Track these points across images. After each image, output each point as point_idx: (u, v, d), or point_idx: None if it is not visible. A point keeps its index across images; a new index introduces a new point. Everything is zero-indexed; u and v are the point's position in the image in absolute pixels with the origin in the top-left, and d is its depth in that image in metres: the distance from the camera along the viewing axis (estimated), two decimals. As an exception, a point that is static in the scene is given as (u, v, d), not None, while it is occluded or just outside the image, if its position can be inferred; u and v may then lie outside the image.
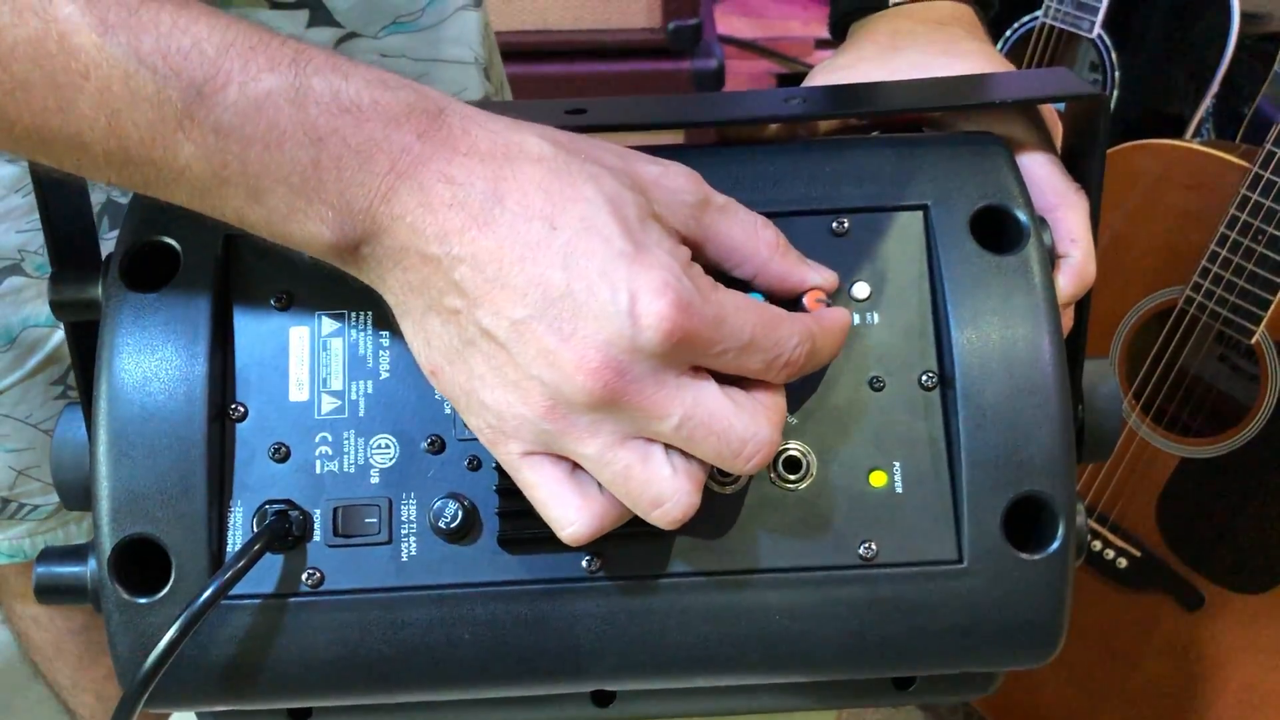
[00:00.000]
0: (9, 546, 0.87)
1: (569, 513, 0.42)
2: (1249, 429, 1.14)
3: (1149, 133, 1.24)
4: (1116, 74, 1.45)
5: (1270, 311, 1.10)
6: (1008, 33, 1.53)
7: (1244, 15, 1.36)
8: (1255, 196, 1.10)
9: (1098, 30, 1.44)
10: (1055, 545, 0.46)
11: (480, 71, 0.89)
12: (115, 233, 0.77)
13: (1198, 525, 1.19)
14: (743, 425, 0.41)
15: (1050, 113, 0.57)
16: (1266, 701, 1.16)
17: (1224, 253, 1.13)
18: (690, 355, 0.40)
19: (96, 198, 0.75)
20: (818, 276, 0.46)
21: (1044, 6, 1.47)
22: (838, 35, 0.65)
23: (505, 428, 0.41)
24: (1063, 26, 1.46)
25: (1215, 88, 1.38)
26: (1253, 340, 1.12)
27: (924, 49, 0.57)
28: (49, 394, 0.79)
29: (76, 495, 0.49)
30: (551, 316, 0.39)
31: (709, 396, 0.40)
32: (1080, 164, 0.52)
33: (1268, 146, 1.09)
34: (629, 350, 0.38)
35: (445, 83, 0.86)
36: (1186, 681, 1.21)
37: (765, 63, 1.99)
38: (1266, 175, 1.09)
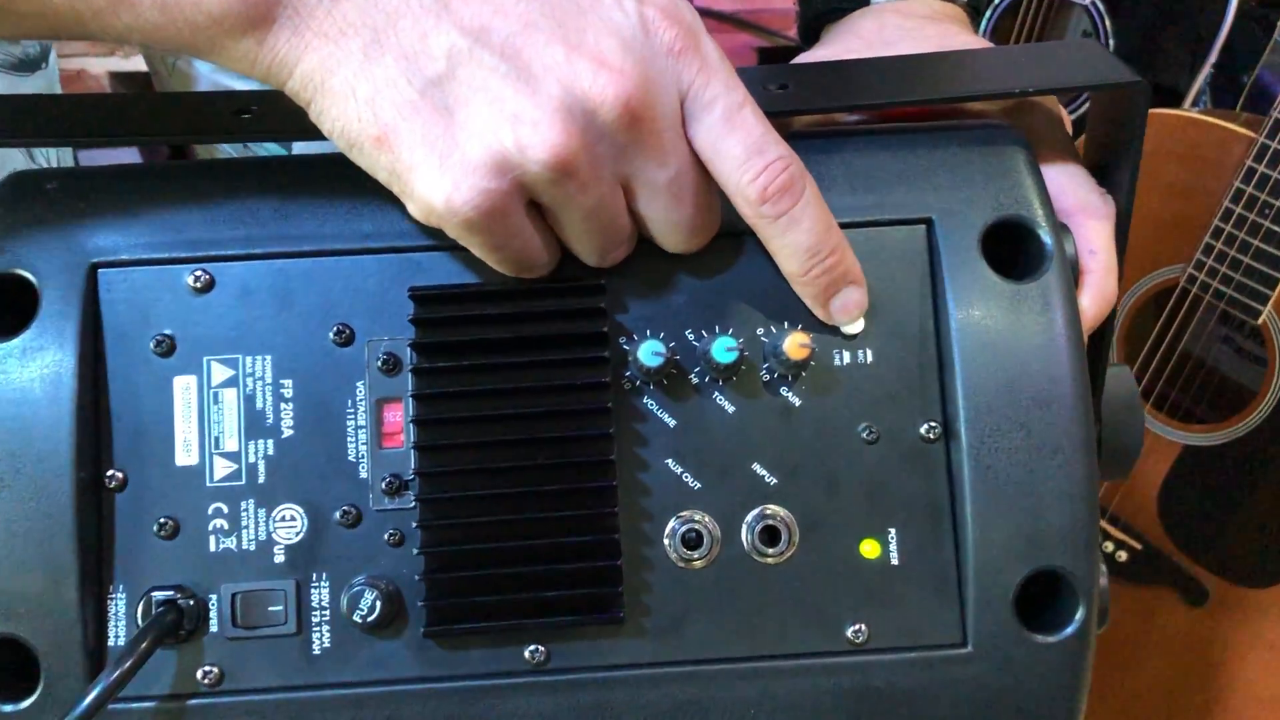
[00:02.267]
0: None
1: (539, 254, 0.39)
2: (1255, 415, 1.10)
3: (1145, 102, 1.18)
4: (1111, 42, 1.38)
5: (1278, 290, 1.05)
6: (996, 0, 1.46)
7: (1243, -21, 1.30)
8: (1262, 168, 1.04)
9: (1091, -7, 1.37)
10: (1074, 627, 0.40)
11: None
12: None
13: (1201, 517, 1.15)
14: (715, 207, 0.39)
15: (1054, 99, 0.50)
16: (1272, 700, 1.13)
17: (1228, 228, 1.07)
18: (684, 81, 0.37)
19: None
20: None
21: (1035, -31, 1.40)
22: (809, 39, 0.58)
23: (487, 171, 0.35)
24: (1054, -11, 1.39)
25: (1214, 56, 1.31)
26: (1259, 320, 1.07)
27: (918, 45, 0.50)
28: None
29: None
30: (553, 25, 0.35)
31: (695, 163, 0.38)
32: (1110, 164, 0.45)
33: (1275, 115, 1.03)
34: (643, 59, 0.35)
35: None
36: (1189, 679, 1.18)
37: (745, 36, 1.90)
38: (1274, 145, 1.03)
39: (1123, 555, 1.20)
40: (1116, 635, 1.22)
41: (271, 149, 0.78)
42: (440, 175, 0.35)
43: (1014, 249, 0.42)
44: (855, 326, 0.41)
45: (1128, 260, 0.46)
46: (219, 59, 0.37)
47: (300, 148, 0.73)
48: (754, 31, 1.91)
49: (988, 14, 1.46)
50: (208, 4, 0.35)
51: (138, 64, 1.78)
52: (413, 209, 0.37)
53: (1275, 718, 1.13)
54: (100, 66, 1.79)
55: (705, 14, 1.84)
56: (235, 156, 0.76)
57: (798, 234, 0.39)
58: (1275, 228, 1.04)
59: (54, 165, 0.72)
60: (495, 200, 0.35)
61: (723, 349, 0.39)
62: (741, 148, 0.37)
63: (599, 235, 0.38)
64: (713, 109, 0.37)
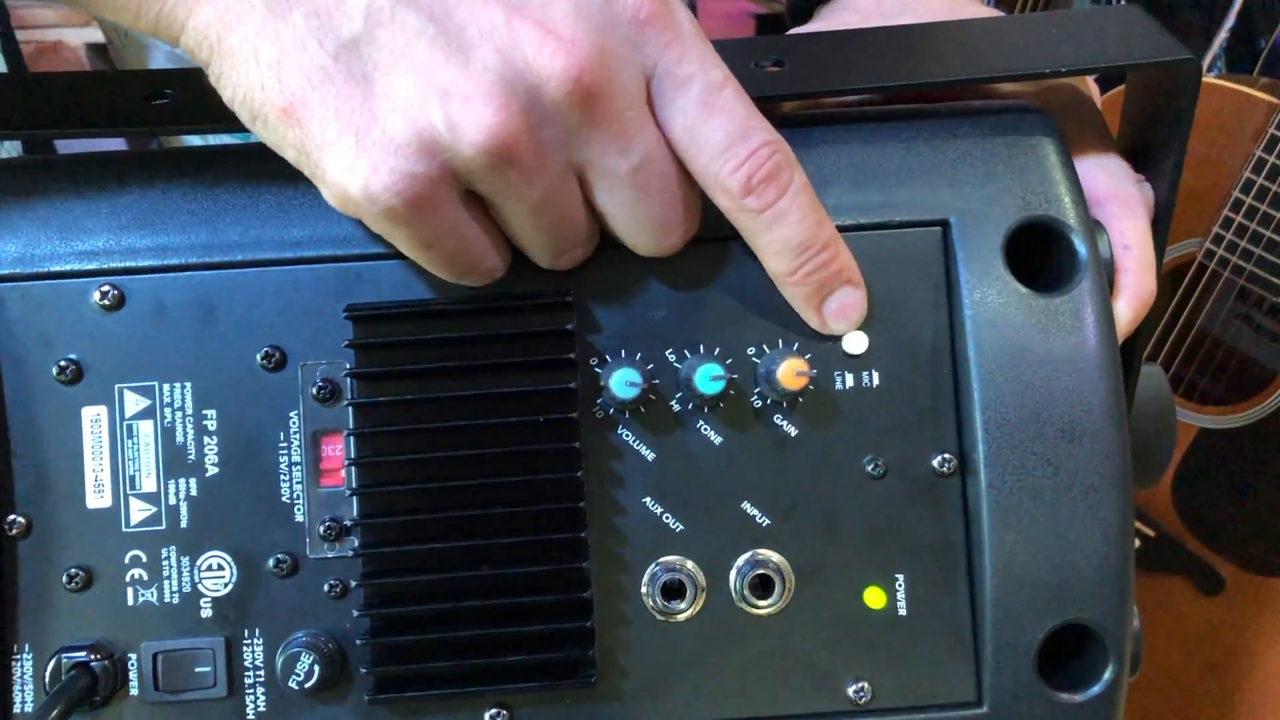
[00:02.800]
0: None
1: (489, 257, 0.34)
2: (1275, 396, 1.06)
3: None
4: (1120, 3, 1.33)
5: (1300, 266, 1.01)
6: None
7: (1263, -65, 1.25)
8: (1285, 136, 0.99)
9: (1103, -49, 1.32)
10: (1102, 686, 0.36)
11: None
12: None
13: (1217, 503, 1.12)
14: (690, 202, 0.34)
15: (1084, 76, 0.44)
16: (1289, 692, 1.10)
17: (1249, 200, 1.03)
18: (651, 55, 0.32)
19: None
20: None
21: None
22: (798, 19, 0.52)
23: (411, 153, 0.30)
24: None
25: (1231, 20, 1.26)
26: None
27: (921, 20, 0.44)
28: None
29: None
30: None
31: (666, 149, 0.33)
32: (1150, 149, 0.40)
33: (1299, 79, 0.98)
34: (604, 26, 0.31)
35: None
36: (1204, 671, 1.15)
37: (743, 2, 1.83)
38: (1298, 112, 0.98)
39: (1136, 543, 1.17)
40: (1127, 624, 1.19)
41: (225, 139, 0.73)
42: (356, 156, 0.30)
43: (1042, 255, 0.37)
44: (859, 344, 0.36)
45: None
46: (99, 7, 0.32)
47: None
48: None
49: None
50: None
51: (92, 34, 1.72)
52: (326, 194, 0.32)
53: (1291, 710, 1.11)
54: (77, 38, 1.73)
55: (699, -25, 1.79)
56: (187, 147, 0.71)
57: (785, 229, 0.34)
58: (1298, 199, 1.00)
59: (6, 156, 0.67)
60: (421, 187, 0.30)
61: (707, 378, 0.35)
62: (722, 133, 0.32)
63: (549, 233, 0.33)
64: (688, 89, 0.32)
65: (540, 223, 0.33)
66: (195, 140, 0.77)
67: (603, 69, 0.30)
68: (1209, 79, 1.11)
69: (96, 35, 1.75)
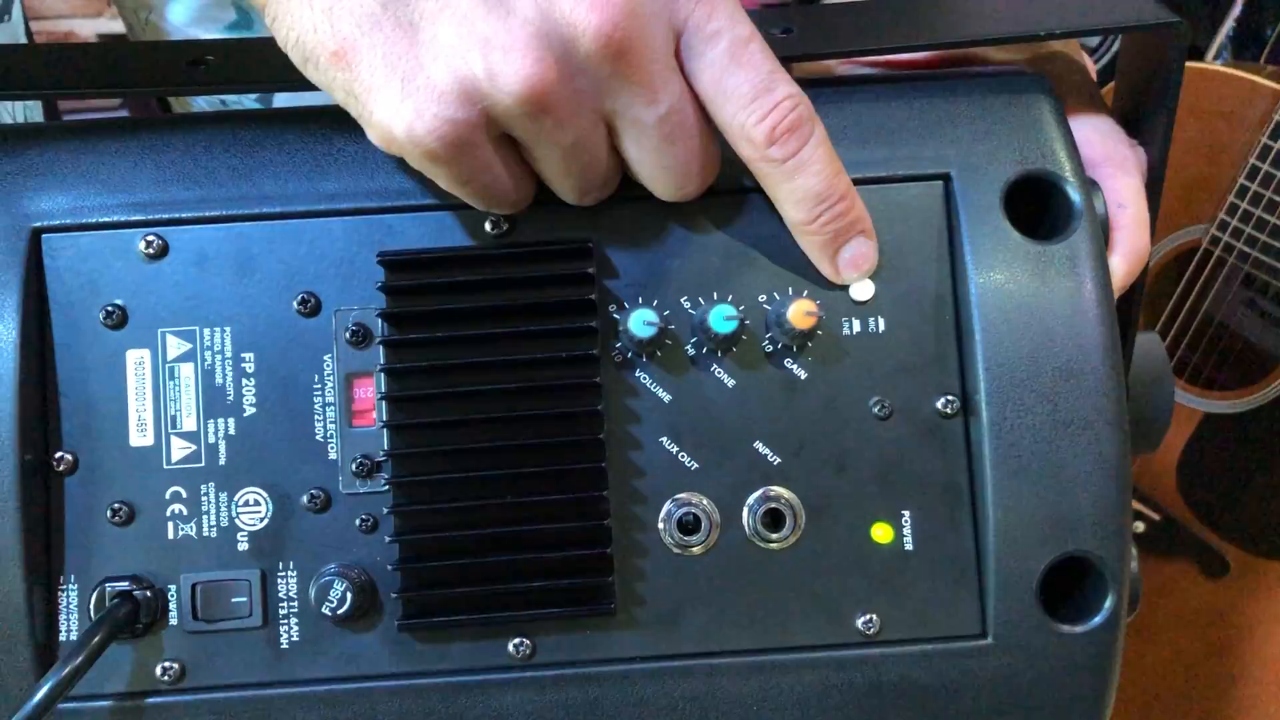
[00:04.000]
0: None
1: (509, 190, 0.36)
2: (1279, 381, 1.05)
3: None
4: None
5: (1304, 252, 1.01)
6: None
7: (1270, -75, 1.26)
8: (1289, 123, 1.00)
9: (1110, -61, 1.33)
10: (1103, 616, 0.37)
11: None
12: None
13: (1222, 486, 1.12)
14: (711, 151, 0.36)
15: (1075, 45, 0.46)
16: (1294, 673, 1.11)
17: (1254, 187, 1.04)
18: (681, 15, 0.34)
19: None
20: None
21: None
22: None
23: (453, 100, 0.32)
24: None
25: (1238, 9, 1.27)
26: (1285, 282, 1.04)
27: None
28: None
29: None
30: None
31: (691, 101, 0.35)
32: (1143, 112, 0.41)
33: (1305, 66, 0.99)
34: None
35: None
36: (1210, 653, 1.15)
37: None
38: (1302, 99, 0.99)
39: (1141, 526, 1.17)
40: (1134, 607, 1.20)
41: (249, 103, 0.75)
42: (401, 100, 0.32)
43: (1039, 206, 0.39)
44: (865, 291, 0.38)
45: None
46: None
47: (282, 100, 0.70)
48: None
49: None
50: None
51: (116, 26, 1.74)
52: (371, 135, 0.34)
53: (1296, 691, 1.11)
54: (89, 28, 1.76)
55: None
56: (223, 109, 0.73)
57: (805, 178, 0.36)
58: (1303, 186, 1.01)
59: (19, 121, 0.69)
60: (461, 131, 0.32)
61: (721, 318, 0.36)
62: (748, 86, 0.34)
63: (577, 175, 0.35)
64: (716, 43, 0.34)
65: (570, 166, 0.34)
66: (202, 104, 0.79)
67: (634, 25, 0.32)
68: (1215, 66, 1.11)
69: (108, 26, 1.77)
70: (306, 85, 0.37)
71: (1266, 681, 1.13)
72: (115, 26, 1.71)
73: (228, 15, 0.74)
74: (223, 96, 0.73)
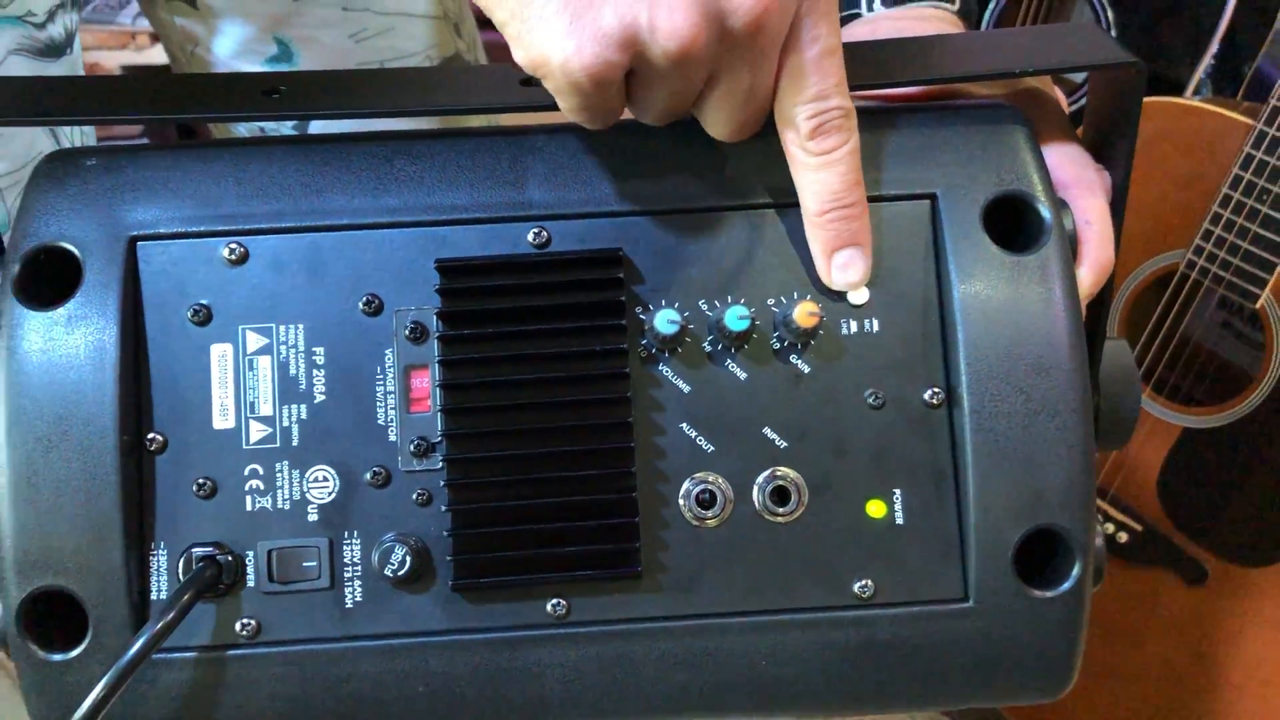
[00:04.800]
0: None
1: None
2: (1253, 397, 1.10)
3: (1146, 93, 1.19)
4: (1113, 32, 1.39)
5: (1275, 275, 1.06)
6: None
7: (1245, -31, 1.31)
8: (1260, 155, 1.05)
9: (1094, -18, 1.38)
10: (1071, 582, 0.42)
11: (450, 27, 0.84)
12: None
13: (1200, 498, 1.16)
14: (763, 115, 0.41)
15: (1049, 83, 0.51)
16: (1272, 677, 1.14)
17: (1227, 214, 1.08)
18: (803, 12, 0.38)
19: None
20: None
21: (1038, -41, 1.41)
22: None
23: (614, 43, 0.36)
24: (1058, -21, 1.40)
25: (1215, 47, 1.32)
26: (1257, 305, 1.08)
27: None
28: None
29: None
30: None
31: (774, 74, 0.40)
32: (1108, 141, 0.47)
33: (1273, 102, 1.04)
34: None
35: (413, 38, 0.82)
36: (1190, 658, 1.19)
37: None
38: (1272, 132, 1.04)
39: (1123, 536, 1.21)
40: (1118, 615, 1.23)
41: (286, 129, 0.80)
42: (567, 34, 0.36)
43: (1015, 222, 0.44)
44: (861, 296, 0.43)
45: (1128, 246, 0.47)
46: None
47: (316, 127, 0.75)
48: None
49: (991, 5, 1.47)
50: None
51: (150, 57, 1.80)
52: (520, 56, 0.37)
53: (1276, 693, 1.14)
54: (113, 60, 1.81)
55: None
56: (264, 135, 0.78)
57: (830, 175, 0.40)
58: (1273, 213, 1.05)
59: (78, 145, 0.74)
60: (609, 72, 0.36)
61: (735, 317, 0.41)
62: (816, 87, 0.39)
63: (667, 112, 0.40)
64: (813, 46, 0.38)
65: (667, 106, 0.39)
66: (242, 130, 0.84)
67: (776, 11, 0.37)
68: (1194, 102, 1.16)
69: (131, 58, 1.83)
70: (357, 113, 0.42)
71: (1246, 683, 1.16)
72: (139, 59, 1.77)
73: (269, 49, 0.80)
74: (261, 124, 0.78)
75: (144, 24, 1.79)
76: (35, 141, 0.70)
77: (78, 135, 0.75)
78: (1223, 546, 1.15)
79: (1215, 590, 1.16)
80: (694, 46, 0.36)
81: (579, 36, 0.36)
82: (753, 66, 0.38)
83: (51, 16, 0.68)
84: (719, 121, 0.41)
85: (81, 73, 0.76)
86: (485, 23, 0.93)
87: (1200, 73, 1.35)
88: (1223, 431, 1.13)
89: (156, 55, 1.81)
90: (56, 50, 0.69)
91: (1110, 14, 1.40)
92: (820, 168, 0.40)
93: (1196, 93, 1.37)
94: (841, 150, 0.40)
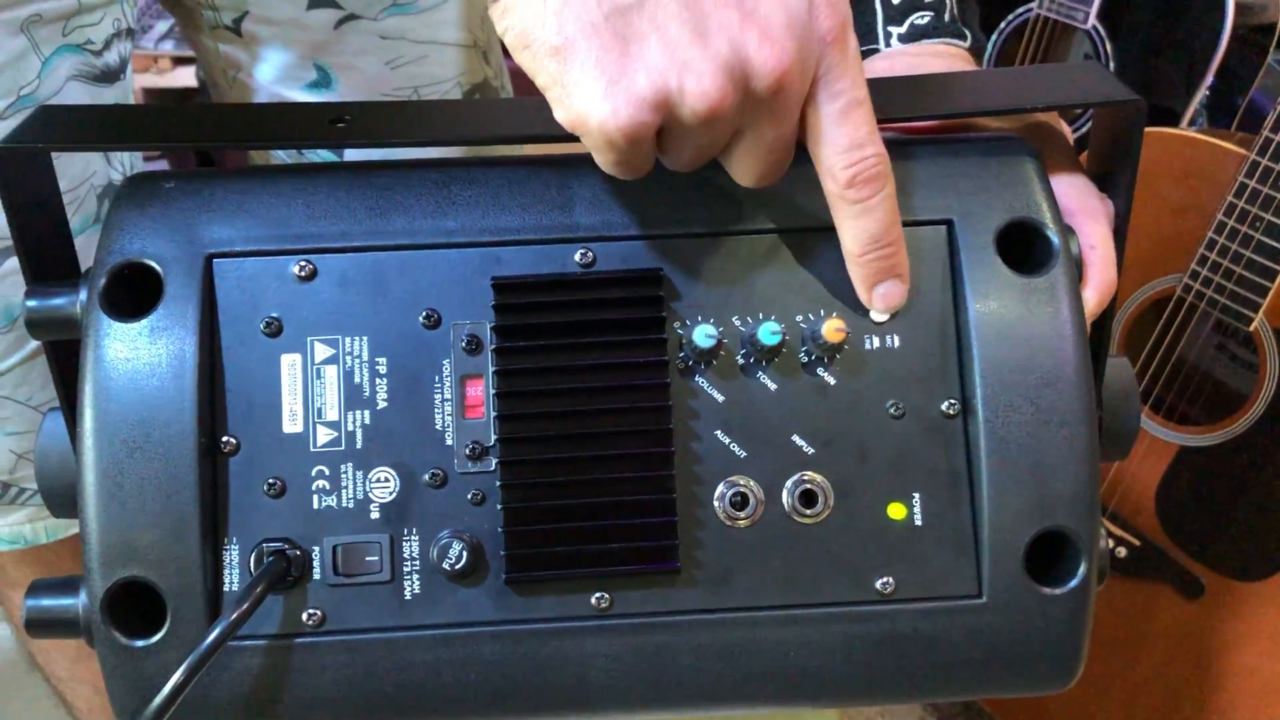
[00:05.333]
0: (9, 533, 0.86)
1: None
2: (1247, 417, 1.13)
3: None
4: (1111, 65, 1.43)
5: (1268, 298, 1.09)
6: (1002, 24, 1.51)
7: (1238, 6, 1.35)
8: (1253, 183, 1.09)
9: (1092, 21, 1.42)
10: (1077, 580, 0.45)
11: (480, 55, 0.88)
12: None
13: (1197, 514, 1.19)
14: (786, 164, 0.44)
15: (1056, 116, 0.55)
16: (1268, 689, 1.17)
17: (1222, 240, 1.12)
18: (824, 68, 0.40)
19: (96, 181, 0.73)
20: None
21: (1038, -3, 1.46)
22: None
23: (647, 106, 0.39)
24: (1057, 18, 1.45)
25: (1210, 79, 1.36)
26: (1251, 327, 1.11)
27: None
28: (50, 377, 0.77)
29: (63, 502, 0.48)
30: None
31: (796, 129, 0.42)
32: (1111, 172, 0.50)
33: (1265, 133, 1.08)
34: (804, 41, 0.39)
35: (445, 65, 0.85)
36: (1187, 671, 1.22)
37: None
38: (1264, 162, 1.08)
39: (1122, 551, 1.23)
40: (1117, 628, 1.25)
41: (326, 155, 0.84)
42: (603, 98, 0.39)
43: (1025, 247, 0.47)
44: (883, 314, 0.46)
45: (1126, 270, 0.50)
46: None
47: (352, 154, 0.79)
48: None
49: (993, 38, 1.51)
50: None
51: (171, 80, 1.84)
52: (561, 116, 0.40)
53: (1271, 705, 1.17)
54: (135, 84, 1.85)
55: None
56: (322, 161, 0.82)
57: (869, 221, 0.43)
58: (1266, 240, 1.08)
59: (127, 167, 0.78)
60: (642, 130, 0.39)
61: (768, 332, 0.45)
62: (847, 139, 0.41)
63: (695, 162, 0.43)
64: (837, 99, 0.41)
65: (694, 157, 0.42)
66: (282, 156, 0.88)
67: (796, 71, 0.39)
68: (1190, 133, 1.20)
69: (153, 81, 1.87)
70: (412, 141, 0.45)
71: (1241, 695, 1.18)
72: (160, 82, 1.80)
73: (309, 74, 0.83)
74: (301, 150, 0.82)
75: (166, 48, 1.83)
76: (90, 163, 0.74)
77: (127, 159, 0.78)
78: (1219, 561, 1.18)
79: (1211, 604, 1.18)
80: (720, 108, 0.39)
81: (614, 100, 0.39)
82: (775, 122, 0.41)
83: (108, 45, 0.72)
84: (745, 170, 0.43)
85: (132, 99, 0.79)
86: (511, 51, 0.97)
87: (1196, 104, 1.39)
88: (1218, 450, 1.16)
89: (178, 79, 1.85)
90: (111, 77, 0.73)
91: (1109, 47, 1.44)
92: (860, 215, 0.43)
93: (1192, 123, 1.41)
94: (878, 196, 0.42)
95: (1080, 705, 1.30)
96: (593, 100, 0.39)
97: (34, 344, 0.76)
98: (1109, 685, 1.27)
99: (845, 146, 0.42)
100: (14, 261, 0.71)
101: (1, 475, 0.82)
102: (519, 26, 0.40)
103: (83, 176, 0.71)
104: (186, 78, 1.83)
